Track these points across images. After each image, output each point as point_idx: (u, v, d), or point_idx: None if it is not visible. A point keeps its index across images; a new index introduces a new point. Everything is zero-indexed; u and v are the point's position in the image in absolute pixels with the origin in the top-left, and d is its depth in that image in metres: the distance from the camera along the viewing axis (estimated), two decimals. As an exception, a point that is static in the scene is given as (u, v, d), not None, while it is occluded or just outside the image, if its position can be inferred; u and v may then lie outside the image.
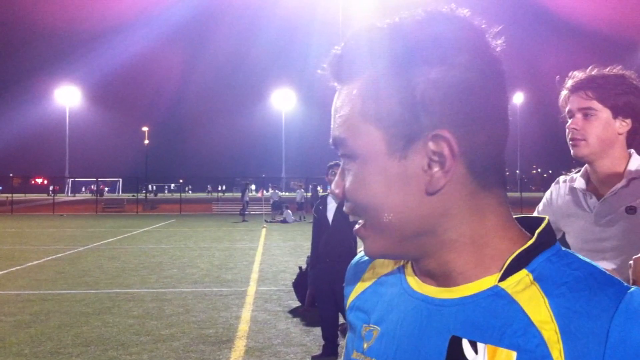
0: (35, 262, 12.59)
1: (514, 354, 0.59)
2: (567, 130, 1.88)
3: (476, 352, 0.61)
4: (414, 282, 0.71)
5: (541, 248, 0.64)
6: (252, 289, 9.28)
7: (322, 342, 5.73)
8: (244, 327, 6.83)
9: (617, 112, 1.81)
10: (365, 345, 0.73)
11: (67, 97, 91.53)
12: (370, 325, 0.74)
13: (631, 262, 1.46)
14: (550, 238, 0.66)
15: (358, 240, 0.72)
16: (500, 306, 0.62)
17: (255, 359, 5.64)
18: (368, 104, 0.64)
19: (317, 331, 6.32)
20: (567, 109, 1.89)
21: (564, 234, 2.01)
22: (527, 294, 0.61)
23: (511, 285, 0.62)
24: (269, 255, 14.01)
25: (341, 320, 5.89)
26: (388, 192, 0.64)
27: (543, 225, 0.66)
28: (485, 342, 0.61)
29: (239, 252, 14.79)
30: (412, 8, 0.66)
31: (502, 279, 0.63)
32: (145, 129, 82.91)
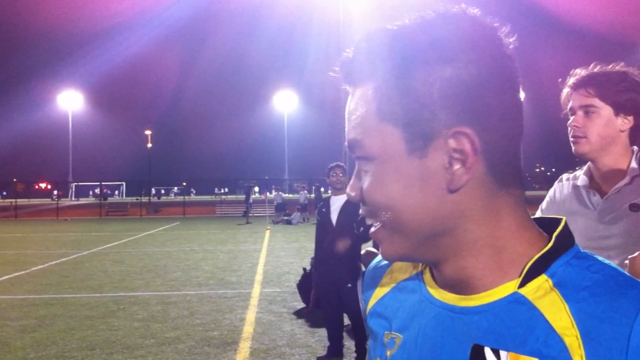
0: (39, 267, 12.62)
1: None
2: (569, 128, 1.88)
3: (499, 359, 0.61)
4: (434, 290, 0.70)
5: (560, 251, 0.64)
6: (256, 291, 9.29)
7: (327, 343, 5.72)
8: (248, 329, 6.83)
9: (618, 110, 1.81)
10: (388, 353, 0.72)
11: (70, 102, 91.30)
12: (392, 332, 0.73)
13: (627, 261, 1.45)
14: (568, 240, 0.65)
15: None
16: (521, 313, 0.61)
17: (261, 360, 5.65)
18: (384, 104, 0.64)
19: (322, 332, 6.31)
20: (568, 107, 1.89)
21: None
22: (548, 300, 0.61)
23: (531, 291, 0.62)
24: (273, 257, 14.01)
25: (346, 321, 5.88)
26: (408, 191, 0.64)
27: (561, 227, 0.66)
28: (507, 349, 0.61)
29: (243, 254, 14.79)
30: (413, 8, 0.66)
31: (522, 285, 0.62)
32: (148, 132, 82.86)
